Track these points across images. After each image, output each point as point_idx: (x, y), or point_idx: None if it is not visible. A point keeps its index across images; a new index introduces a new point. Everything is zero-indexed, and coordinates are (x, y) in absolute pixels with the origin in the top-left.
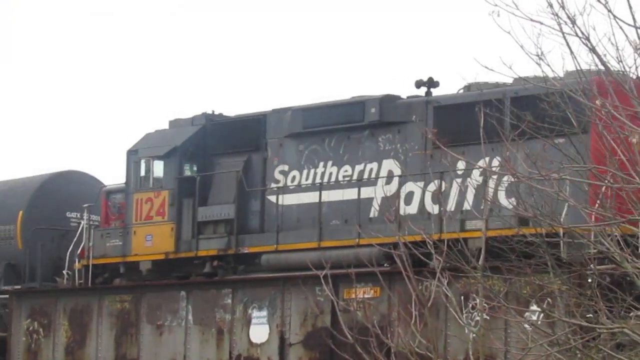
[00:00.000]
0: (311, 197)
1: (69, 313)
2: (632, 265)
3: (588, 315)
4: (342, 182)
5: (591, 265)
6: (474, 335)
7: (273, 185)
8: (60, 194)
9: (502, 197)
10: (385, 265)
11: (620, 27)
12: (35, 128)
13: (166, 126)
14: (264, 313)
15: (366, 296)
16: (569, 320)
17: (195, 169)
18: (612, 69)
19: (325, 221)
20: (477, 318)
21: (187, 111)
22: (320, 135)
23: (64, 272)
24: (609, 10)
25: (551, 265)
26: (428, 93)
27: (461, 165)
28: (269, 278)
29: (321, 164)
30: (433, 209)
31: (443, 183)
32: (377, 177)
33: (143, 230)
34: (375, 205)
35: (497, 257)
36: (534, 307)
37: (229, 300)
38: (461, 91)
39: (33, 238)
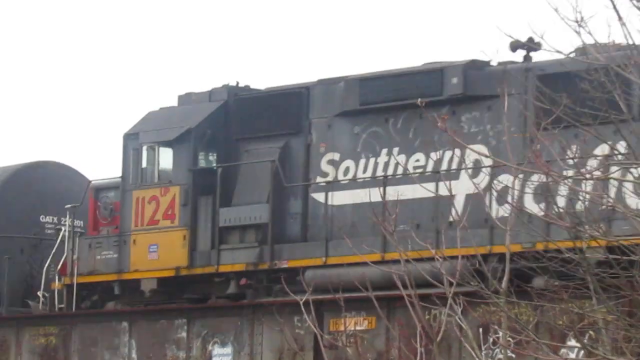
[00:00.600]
0: (371, 195)
1: None
2: None
3: None
4: (412, 175)
5: None
6: None
7: (319, 179)
8: (32, 191)
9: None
10: (471, 284)
11: None
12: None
13: (174, 103)
14: (228, 350)
15: (358, 328)
16: (617, 359)
17: (214, 158)
18: None
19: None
20: (500, 356)
21: (199, 85)
22: (383, 113)
23: (39, 293)
24: None
25: (594, 289)
26: (527, 58)
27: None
28: (234, 305)
29: (384, 151)
30: (535, 209)
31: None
32: (459, 168)
33: (146, 238)
34: (458, 204)
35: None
36: (572, 342)
37: (184, 334)
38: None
39: None
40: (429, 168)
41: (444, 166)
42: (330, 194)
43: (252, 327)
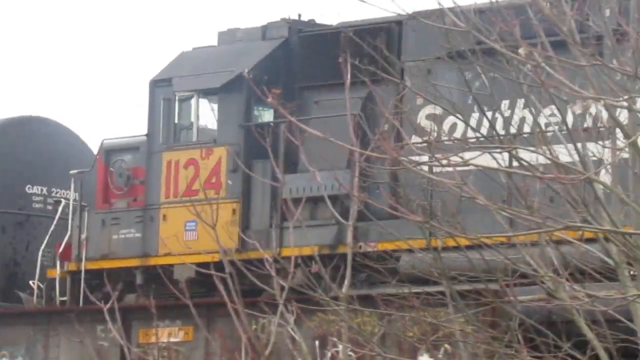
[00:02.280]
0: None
1: None
2: (570, 294)
3: None
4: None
5: (511, 296)
6: None
7: (416, 138)
8: (15, 154)
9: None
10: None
11: None
12: None
13: (213, 43)
14: None
15: (173, 340)
16: None
17: (272, 111)
18: None
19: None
20: None
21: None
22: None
23: (32, 283)
24: None
25: (451, 295)
26: None
27: None
28: (25, 312)
29: (505, 103)
30: None
31: None
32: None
33: (181, 213)
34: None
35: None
36: (425, 357)
37: None
38: None
39: None
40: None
41: (591, 122)
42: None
43: (47, 338)
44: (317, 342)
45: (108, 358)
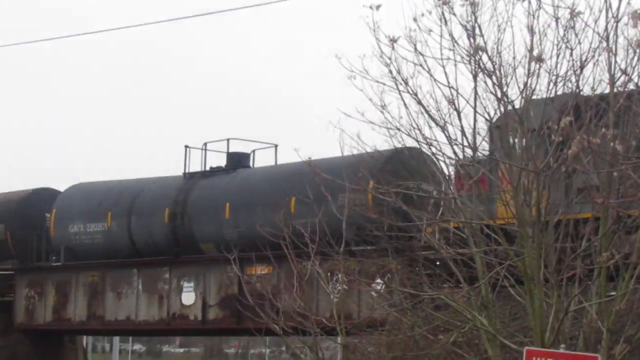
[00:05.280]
0: None
1: (55, 284)
2: (445, 251)
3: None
4: None
5: (418, 252)
6: (337, 299)
7: None
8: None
9: None
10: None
11: (439, 87)
12: None
13: None
14: (192, 284)
15: (262, 272)
16: (402, 289)
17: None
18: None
19: None
20: (339, 288)
21: None
22: None
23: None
24: (431, 75)
25: (390, 251)
26: None
27: None
28: (194, 260)
29: None
30: None
31: None
32: None
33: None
34: None
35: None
36: (378, 280)
37: (167, 275)
38: None
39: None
40: None
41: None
42: None
43: (205, 271)
44: (329, 273)
45: (233, 281)
